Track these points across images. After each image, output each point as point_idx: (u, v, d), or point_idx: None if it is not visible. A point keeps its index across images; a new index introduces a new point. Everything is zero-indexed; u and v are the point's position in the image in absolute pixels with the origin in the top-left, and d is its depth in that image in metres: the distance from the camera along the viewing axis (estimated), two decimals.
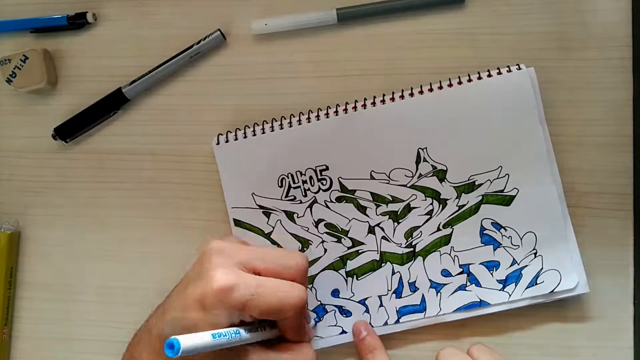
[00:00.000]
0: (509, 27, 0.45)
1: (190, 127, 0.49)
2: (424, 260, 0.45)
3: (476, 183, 0.44)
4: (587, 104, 0.45)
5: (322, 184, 0.45)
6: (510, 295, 0.44)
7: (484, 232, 0.44)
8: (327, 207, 0.46)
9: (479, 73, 0.44)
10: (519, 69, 0.43)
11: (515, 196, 0.44)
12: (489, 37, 0.45)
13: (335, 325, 0.46)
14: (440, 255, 0.45)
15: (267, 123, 0.46)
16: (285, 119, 0.46)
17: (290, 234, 0.46)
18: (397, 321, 0.45)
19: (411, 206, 0.45)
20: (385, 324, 0.45)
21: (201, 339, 0.33)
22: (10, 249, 0.50)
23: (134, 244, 0.49)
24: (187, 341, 0.31)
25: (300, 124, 0.45)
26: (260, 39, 0.48)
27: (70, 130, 0.49)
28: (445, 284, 0.45)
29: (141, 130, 0.49)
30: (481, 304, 0.44)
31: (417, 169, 0.45)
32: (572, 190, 0.44)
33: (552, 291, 0.43)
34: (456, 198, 0.44)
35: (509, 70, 0.43)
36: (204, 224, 0.48)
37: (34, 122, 0.51)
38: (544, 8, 0.45)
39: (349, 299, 0.45)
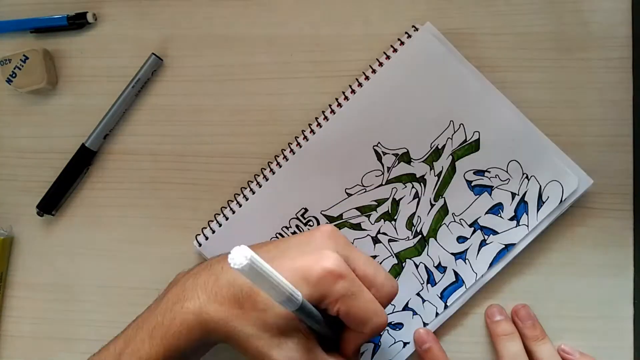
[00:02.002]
0: (509, 27, 0.45)
1: (190, 127, 0.49)
2: (436, 240, 0.45)
3: (439, 147, 0.44)
4: (587, 104, 0.45)
5: (309, 226, 0.46)
6: (528, 226, 0.44)
7: (472, 184, 0.44)
8: None
9: (384, 53, 0.45)
10: (416, 29, 0.44)
11: (479, 139, 0.44)
12: (489, 37, 0.45)
13: (395, 343, 0.45)
14: (447, 226, 0.45)
15: (231, 201, 0.46)
16: (251, 182, 0.46)
17: None
18: (446, 306, 0.45)
19: (397, 199, 0.45)
20: (437, 314, 0.45)
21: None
22: (2, 255, 0.50)
23: (134, 244, 0.49)
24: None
25: (266, 179, 0.46)
26: (259, 39, 0.48)
27: (52, 203, 0.49)
28: (466, 249, 0.45)
29: (141, 130, 0.49)
30: (508, 248, 0.44)
31: (382, 165, 0.45)
32: None
33: (562, 201, 0.43)
34: (430, 170, 0.45)
35: (409, 36, 0.44)
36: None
37: (34, 122, 0.51)
38: (544, 8, 0.45)
39: (392, 312, 0.45)
